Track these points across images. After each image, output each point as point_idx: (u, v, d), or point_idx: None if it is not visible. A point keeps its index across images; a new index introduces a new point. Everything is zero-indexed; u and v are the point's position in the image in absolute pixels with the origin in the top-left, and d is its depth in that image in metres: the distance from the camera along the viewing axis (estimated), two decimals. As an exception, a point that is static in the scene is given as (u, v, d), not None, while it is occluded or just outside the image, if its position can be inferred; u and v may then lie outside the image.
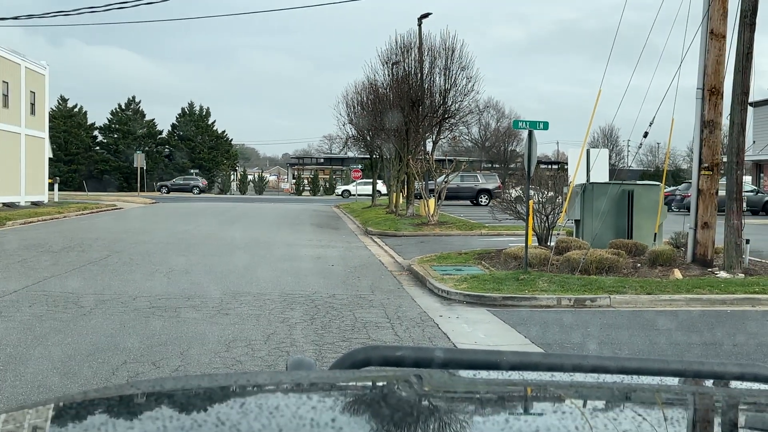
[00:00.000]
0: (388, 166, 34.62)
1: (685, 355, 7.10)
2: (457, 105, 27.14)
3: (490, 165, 62.47)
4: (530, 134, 12.25)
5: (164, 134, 66.78)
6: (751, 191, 35.09)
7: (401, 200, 30.35)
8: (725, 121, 12.17)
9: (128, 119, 64.62)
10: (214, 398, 1.11)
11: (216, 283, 11.13)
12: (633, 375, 1.30)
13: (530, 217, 13.37)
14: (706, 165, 12.23)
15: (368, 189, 48.23)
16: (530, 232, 13.17)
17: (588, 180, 15.48)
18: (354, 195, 52.15)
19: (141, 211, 34.73)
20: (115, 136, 64.66)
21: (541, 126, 12.67)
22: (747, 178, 39.58)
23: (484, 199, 38.96)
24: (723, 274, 11.42)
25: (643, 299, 9.87)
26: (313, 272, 12.64)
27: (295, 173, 74.12)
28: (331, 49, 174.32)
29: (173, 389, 1.13)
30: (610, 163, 21.49)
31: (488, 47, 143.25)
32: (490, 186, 40.31)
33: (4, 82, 32.79)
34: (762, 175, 43.82)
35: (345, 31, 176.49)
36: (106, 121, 65.39)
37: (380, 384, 1.26)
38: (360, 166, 55.13)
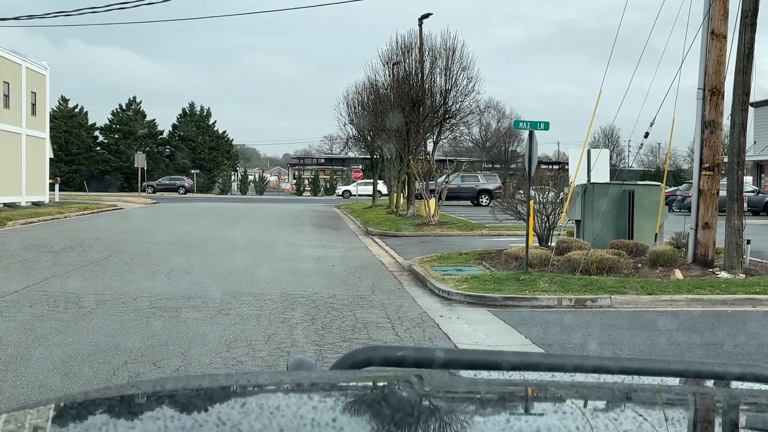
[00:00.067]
0: (388, 167, 34.61)
1: (685, 356, 7.10)
2: (457, 105, 27.17)
3: (490, 165, 62.43)
4: (531, 134, 12.25)
5: (165, 134, 66.83)
6: (752, 191, 35.09)
7: (402, 200, 30.36)
8: (726, 122, 12.17)
9: (129, 119, 64.67)
10: (215, 398, 1.11)
11: (217, 283, 11.13)
12: (634, 375, 1.30)
13: (531, 218, 13.37)
14: (707, 165, 12.23)
15: (369, 189, 48.23)
16: (531, 232, 13.17)
17: (589, 180, 15.48)
18: (355, 195, 52.16)
19: (142, 211, 34.74)
20: (116, 136, 64.71)
21: (542, 126, 12.67)
22: (748, 179, 39.55)
23: (484, 200, 38.97)
24: (724, 275, 11.42)
25: (644, 299, 9.87)
26: (313, 272, 12.65)
27: (296, 173, 74.14)
28: (332, 50, 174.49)
29: (174, 389, 1.13)
30: (610, 164, 21.49)
31: (489, 47, 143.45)
32: (491, 186, 40.31)
33: (5, 82, 32.81)
34: (763, 175, 43.81)
35: (346, 31, 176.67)
36: (107, 122, 65.48)
37: (381, 384, 1.26)
38: (361, 167, 55.16)
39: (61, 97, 63.32)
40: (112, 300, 9.44)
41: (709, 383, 1.36)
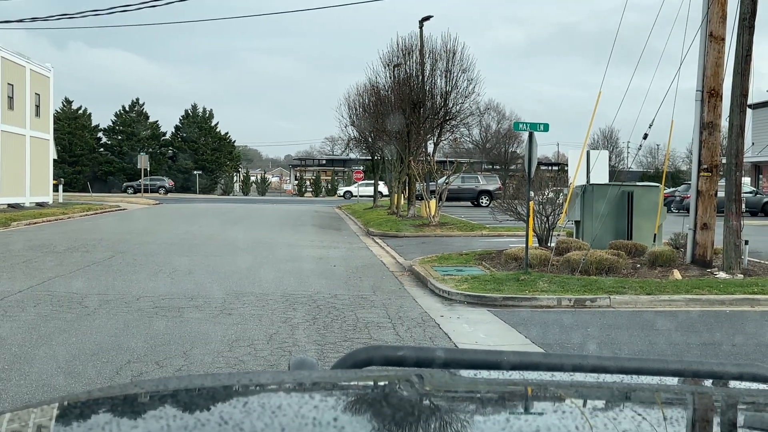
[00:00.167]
0: (389, 168, 34.68)
1: (684, 355, 7.14)
2: (458, 107, 27.22)
3: (490, 166, 62.47)
4: (531, 136, 12.31)
5: (168, 136, 66.93)
6: (750, 192, 35.09)
7: (403, 201, 30.42)
8: (724, 123, 12.23)
9: (132, 121, 64.79)
10: (217, 398, 1.11)
11: (219, 283, 11.20)
12: (632, 375, 1.31)
13: (531, 218, 13.44)
14: (706, 166, 12.28)
15: (370, 190, 48.30)
16: (531, 233, 13.24)
17: (588, 181, 15.54)
18: (356, 196, 52.22)
19: (145, 212, 34.83)
20: (119, 137, 64.84)
21: (542, 128, 12.73)
22: (746, 180, 39.54)
23: (484, 201, 39.02)
24: (722, 275, 11.48)
25: (643, 300, 9.93)
26: (315, 273, 12.71)
27: (298, 175, 74.21)
28: (333, 51, 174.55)
29: (177, 389, 1.14)
30: (609, 165, 21.54)
31: (489, 48, 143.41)
32: (491, 187, 40.34)
33: (9, 84, 32.93)
34: (761, 176, 43.81)
35: (347, 33, 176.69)
36: (111, 123, 65.61)
37: (382, 384, 1.26)
38: (362, 168, 55.21)
39: (65, 98, 63.58)
40: (115, 300, 9.51)
41: (708, 383, 1.37)
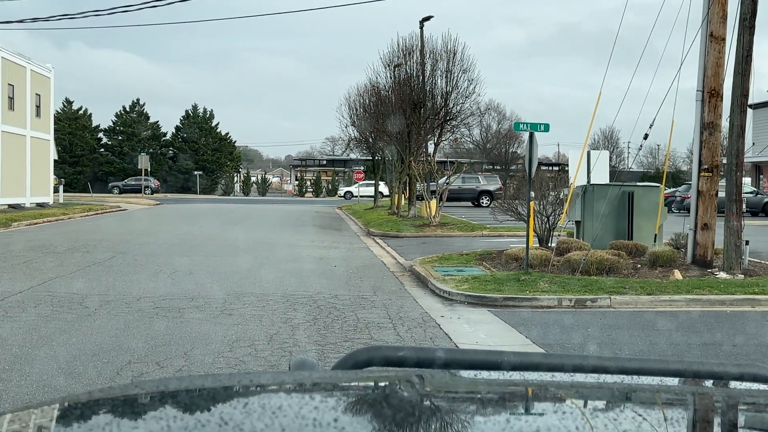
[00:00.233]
0: (390, 168, 34.69)
1: (684, 356, 7.14)
2: (458, 107, 27.23)
3: (491, 167, 62.51)
4: (531, 136, 12.32)
5: (168, 136, 66.96)
6: (751, 193, 35.10)
7: (403, 202, 30.43)
8: (725, 123, 12.23)
9: (133, 121, 64.83)
10: (217, 398, 1.11)
11: (219, 283, 11.21)
12: (633, 375, 1.31)
13: (531, 219, 13.44)
14: (706, 167, 12.28)
15: (370, 190, 48.36)
16: (531, 233, 13.24)
17: (588, 181, 15.54)
18: (356, 196, 52.24)
19: (145, 212, 34.85)
20: (120, 138, 64.88)
21: (542, 128, 12.73)
22: (746, 180, 39.56)
23: (485, 201, 39.02)
24: (723, 275, 11.48)
25: (644, 300, 9.93)
26: (315, 273, 12.72)
27: (298, 175, 74.24)
28: (334, 51, 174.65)
29: (177, 389, 1.14)
30: (610, 165, 21.54)
31: (489, 49, 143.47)
32: (492, 187, 40.36)
33: (9, 84, 32.96)
34: (761, 176, 43.82)
35: (348, 33, 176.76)
36: (111, 124, 65.65)
37: (382, 384, 1.26)
38: (362, 168, 55.25)
39: (66, 99, 63.62)
40: (115, 300, 9.52)
41: (708, 383, 1.37)
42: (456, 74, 26.83)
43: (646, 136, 12.77)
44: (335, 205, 46.15)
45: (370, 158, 42.53)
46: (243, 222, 27.50)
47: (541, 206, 15.36)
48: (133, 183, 59.29)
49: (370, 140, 35.63)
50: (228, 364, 6.49)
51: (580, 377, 1.29)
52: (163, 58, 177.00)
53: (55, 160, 39.51)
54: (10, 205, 31.90)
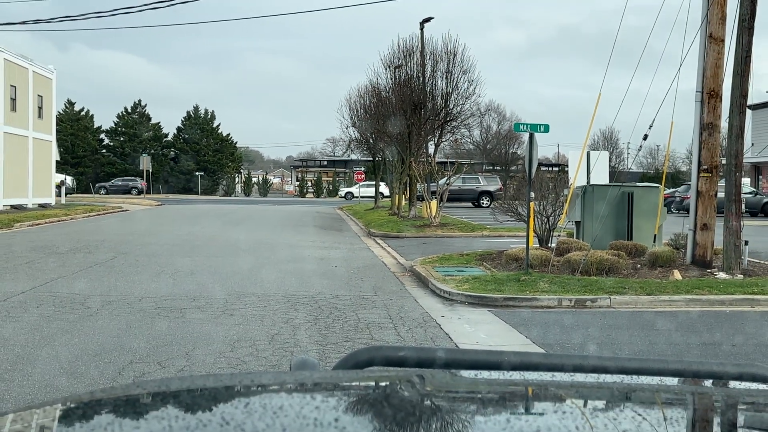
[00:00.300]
0: (390, 169, 34.73)
1: (684, 356, 7.17)
2: (458, 108, 27.27)
3: (491, 167, 62.54)
4: (531, 137, 12.36)
5: (170, 137, 67.04)
6: (750, 193, 35.11)
7: (404, 202, 30.46)
8: (724, 124, 12.26)
9: (134, 122, 64.91)
10: (218, 398, 1.11)
11: (221, 284, 11.25)
12: (633, 375, 1.31)
13: (531, 219, 13.47)
14: (705, 167, 12.32)
15: (371, 191, 48.41)
16: (531, 233, 13.27)
17: (588, 182, 15.58)
18: (357, 197, 52.28)
19: (147, 213, 34.90)
20: (122, 139, 64.97)
21: (542, 129, 12.77)
22: (746, 180, 39.55)
23: (485, 201, 39.06)
24: (722, 275, 11.51)
25: (643, 300, 9.96)
26: (316, 273, 12.76)
27: (299, 176, 74.27)
28: (335, 52, 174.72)
29: (179, 389, 1.14)
30: (610, 166, 21.58)
31: (490, 50, 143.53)
32: (492, 188, 40.39)
33: (12, 86, 33.02)
34: (760, 177, 43.83)
35: (349, 34, 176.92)
36: (113, 125, 65.74)
37: (383, 384, 1.26)
38: (363, 169, 55.21)
39: (68, 100, 63.72)
40: (117, 301, 9.56)
41: (708, 383, 1.37)
42: (456, 75, 26.89)
43: (645, 137, 12.81)
44: (336, 205, 46.17)
45: (371, 159, 42.57)
46: (244, 223, 27.54)
47: (541, 207, 15.39)
48: (120, 183, 59.45)
49: (371, 141, 35.68)
50: (229, 364, 6.52)
51: (580, 377, 1.30)
52: (164, 59, 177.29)
53: (57, 161, 39.60)
54: (12, 206, 31.98)
